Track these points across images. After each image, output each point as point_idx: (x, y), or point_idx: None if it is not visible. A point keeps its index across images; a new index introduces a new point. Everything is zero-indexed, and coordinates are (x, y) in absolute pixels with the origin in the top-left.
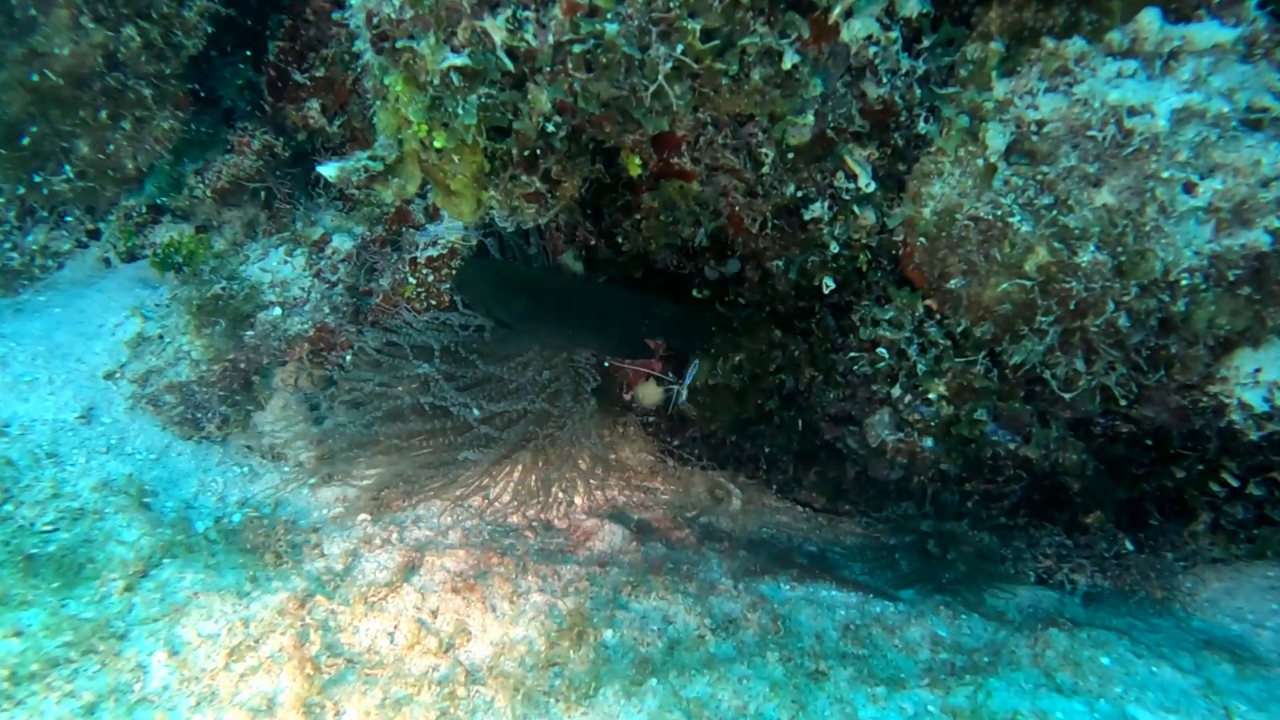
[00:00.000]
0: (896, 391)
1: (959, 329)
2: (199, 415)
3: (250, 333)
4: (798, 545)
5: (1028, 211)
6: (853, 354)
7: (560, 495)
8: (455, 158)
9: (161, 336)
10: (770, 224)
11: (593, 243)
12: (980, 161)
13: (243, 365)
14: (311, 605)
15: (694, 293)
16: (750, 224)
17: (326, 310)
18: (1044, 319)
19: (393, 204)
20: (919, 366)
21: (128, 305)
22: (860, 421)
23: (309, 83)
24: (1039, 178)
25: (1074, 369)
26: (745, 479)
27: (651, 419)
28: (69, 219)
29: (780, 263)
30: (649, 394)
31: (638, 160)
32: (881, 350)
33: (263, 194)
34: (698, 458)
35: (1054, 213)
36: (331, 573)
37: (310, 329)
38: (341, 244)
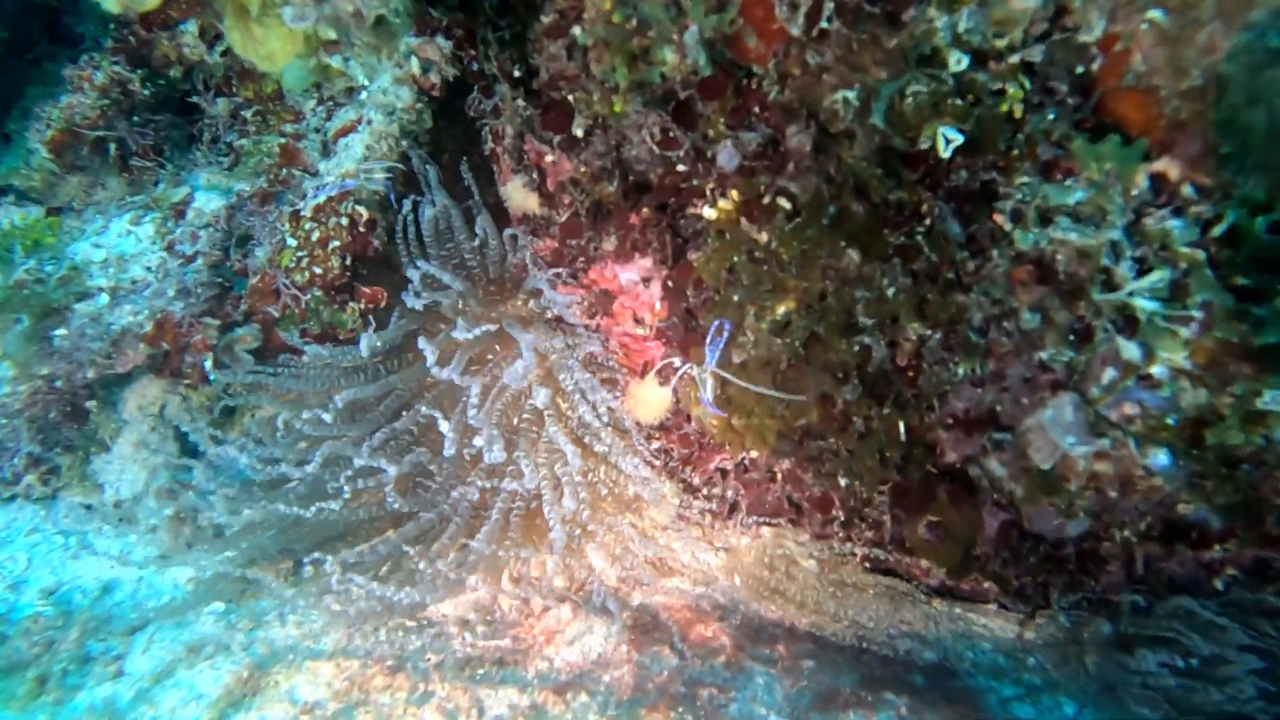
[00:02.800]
0: (1091, 362)
1: (1229, 218)
2: None
3: (61, 331)
4: (904, 651)
5: None
6: (996, 289)
7: (517, 570)
8: None
9: None
10: (830, 17)
11: (549, 157)
12: None
13: (60, 383)
14: None
15: (705, 209)
16: (786, 17)
17: (171, 294)
18: None
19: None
20: (1141, 309)
21: None
22: (1014, 424)
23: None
24: None
25: None
26: (811, 535)
27: (658, 440)
28: None
29: (851, 97)
30: (649, 400)
31: None
32: (1060, 271)
33: (112, 148)
34: (731, 505)
35: None
36: (111, 710)
37: (147, 323)
38: (207, 205)
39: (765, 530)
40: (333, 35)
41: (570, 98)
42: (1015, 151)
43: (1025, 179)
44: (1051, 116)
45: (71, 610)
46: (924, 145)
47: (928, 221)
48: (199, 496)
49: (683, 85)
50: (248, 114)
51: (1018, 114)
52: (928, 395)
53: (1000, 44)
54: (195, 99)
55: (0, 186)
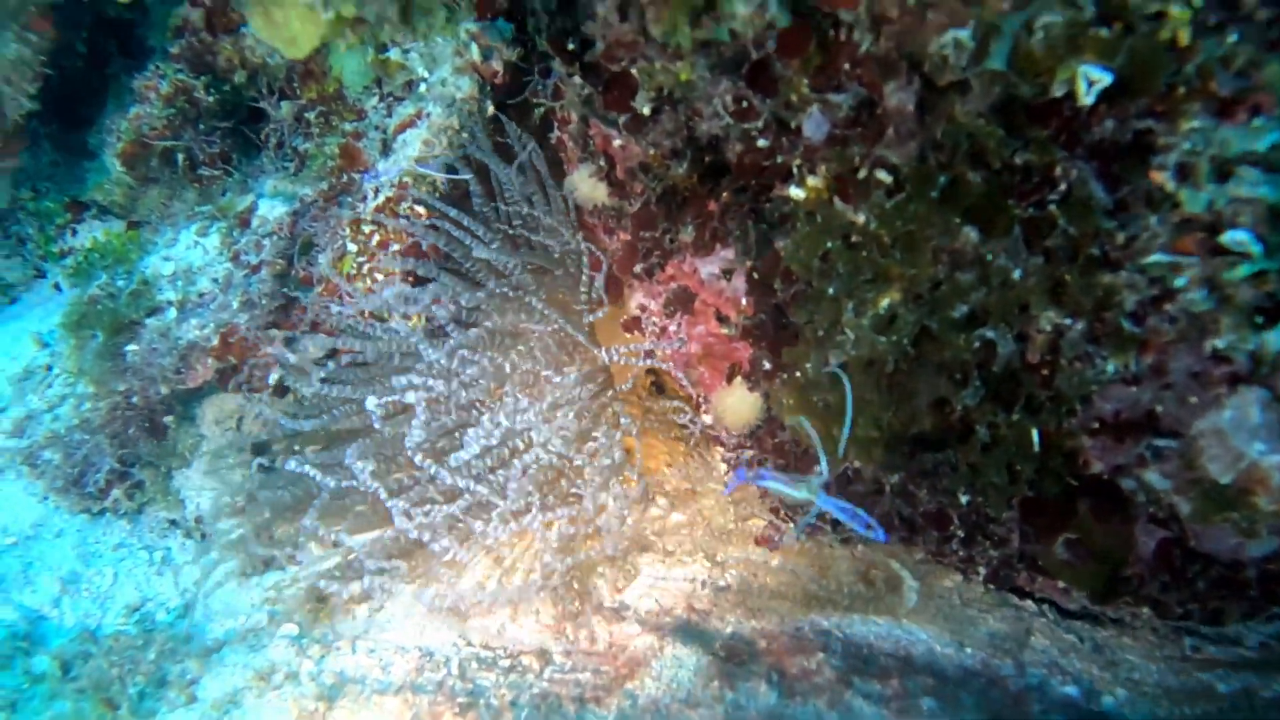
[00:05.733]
0: None
1: None
2: (85, 477)
3: (133, 347)
4: (1037, 684)
5: None
6: (1155, 265)
7: (594, 590)
8: None
9: (50, 367)
10: None
11: (617, 141)
12: None
13: (136, 399)
14: None
15: (792, 189)
16: None
17: (235, 306)
18: None
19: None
20: None
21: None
22: (1180, 429)
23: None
24: None
25: None
26: (925, 554)
27: (749, 451)
28: (29, 245)
29: (965, 36)
30: (737, 407)
31: None
32: (1239, 238)
33: (180, 157)
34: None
35: None
36: None
37: (213, 336)
38: (271, 212)
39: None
40: (352, 10)
41: (632, 70)
42: (1181, 90)
43: (1195, 123)
44: (1234, 39)
45: (153, 629)
46: (1058, 92)
47: (1063, 187)
48: (276, 512)
49: (756, 43)
50: (311, 116)
51: (1184, 40)
52: (1068, 397)
53: None
54: (260, 103)
55: (84, 202)
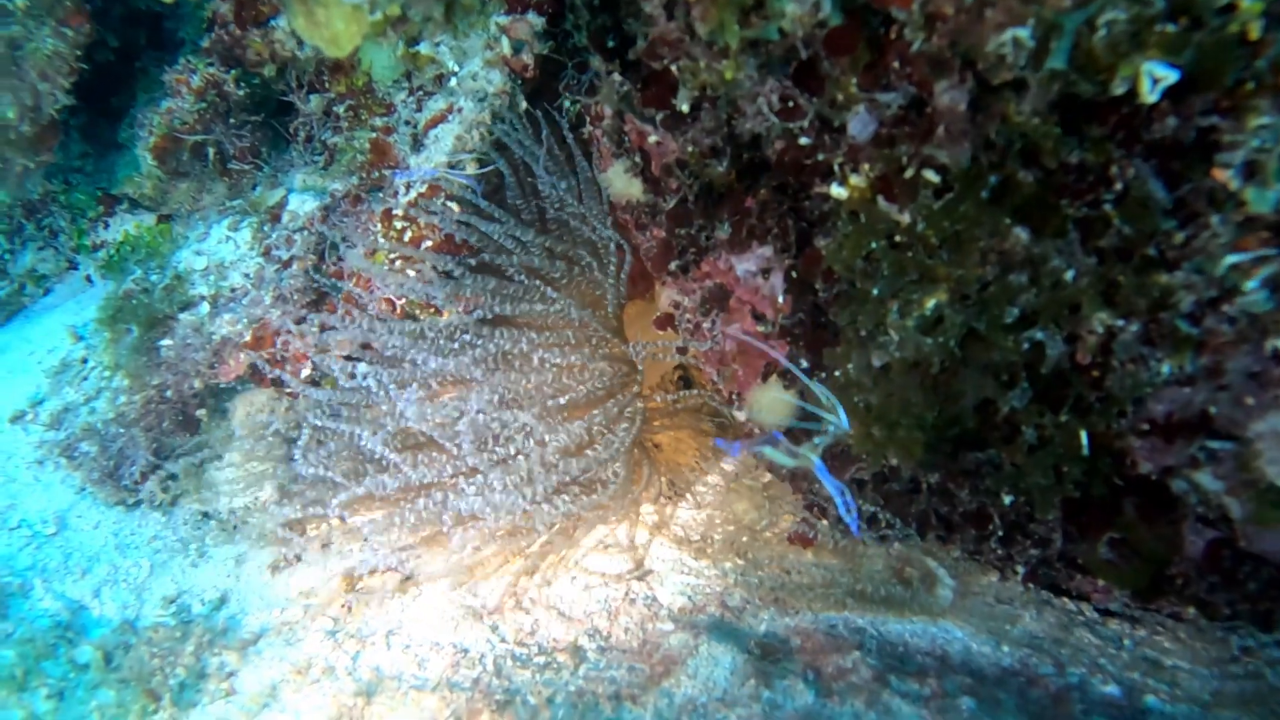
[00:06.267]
0: None
1: None
2: (121, 469)
3: (167, 341)
4: (1077, 683)
5: None
6: (1215, 264)
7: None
8: None
9: (85, 360)
10: None
11: (653, 137)
12: None
13: (170, 393)
14: None
15: (833, 188)
16: None
17: (268, 301)
18: None
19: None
20: None
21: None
22: (1236, 431)
23: None
24: None
25: None
26: (961, 552)
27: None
28: (61, 237)
29: (1025, 35)
30: (771, 403)
31: None
32: None
33: (211, 151)
34: (870, 519)
35: None
36: None
37: (246, 331)
38: (301, 207)
39: (908, 546)
40: (398, 10)
41: (673, 67)
42: (1249, 85)
43: (1264, 120)
44: None
45: (190, 620)
46: (1118, 90)
47: (1119, 186)
48: (307, 504)
49: (805, 41)
50: (340, 109)
51: (1254, 34)
52: (1119, 399)
53: None
54: (289, 97)
55: (116, 195)
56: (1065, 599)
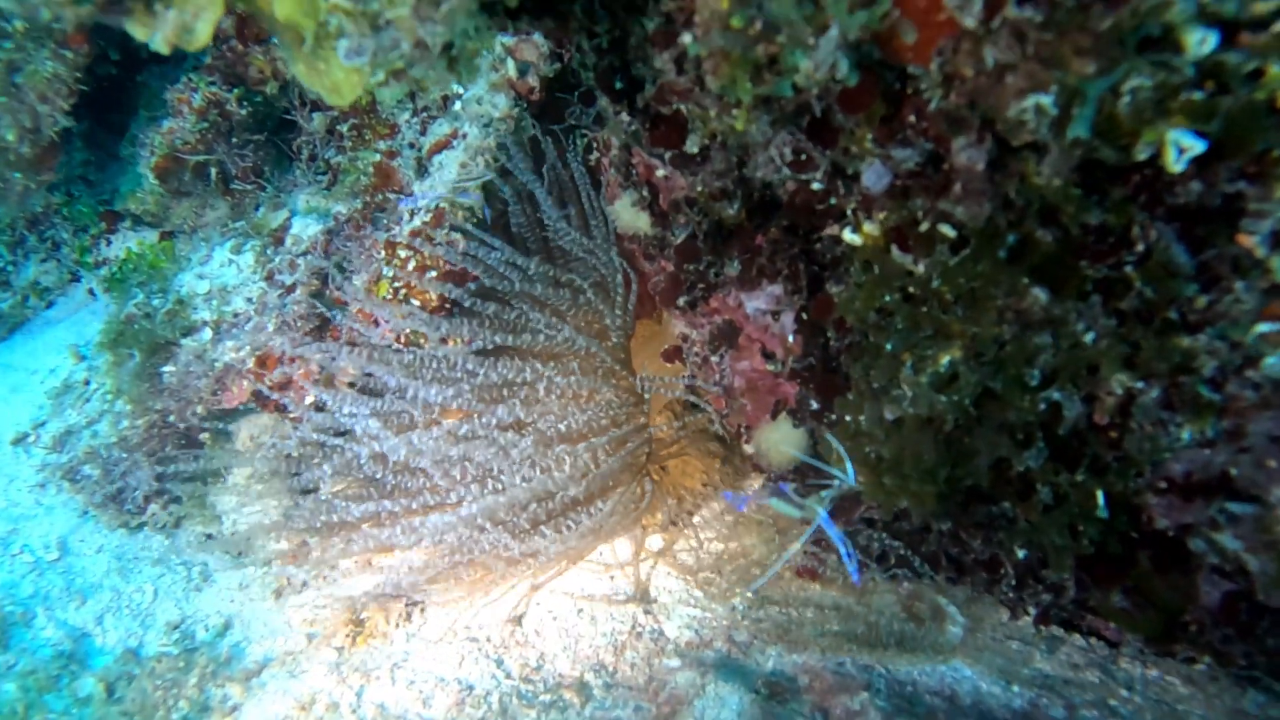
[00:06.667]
0: None
1: None
2: (124, 493)
3: (170, 368)
4: None
5: None
6: (1238, 330)
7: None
8: None
9: (88, 382)
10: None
11: (660, 172)
12: None
13: (173, 418)
14: None
15: (846, 233)
16: (958, 5)
17: (271, 328)
18: None
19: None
20: None
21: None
22: (1259, 493)
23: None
24: None
25: None
26: (973, 591)
27: (792, 482)
28: (63, 249)
29: (1047, 103)
30: (778, 440)
31: None
32: None
33: (213, 171)
34: (880, 557)
35: None
36: None
37: (249, 359)
38: (305, 230)
39: (920, 584)
40: (400, 66)
41: (683, 109)
42: (1275, 152)
43: None
44: None
45: (194, 648)
46: (1142, 155)
47: (1140, 248)
48: (310, 531)
49: (819, 96)
50: (344, 128)
51: None
52: (1137, 461)
53: (1262, 7)
54: (292, 114)
55: (118, 212)
56: (1075, 635)
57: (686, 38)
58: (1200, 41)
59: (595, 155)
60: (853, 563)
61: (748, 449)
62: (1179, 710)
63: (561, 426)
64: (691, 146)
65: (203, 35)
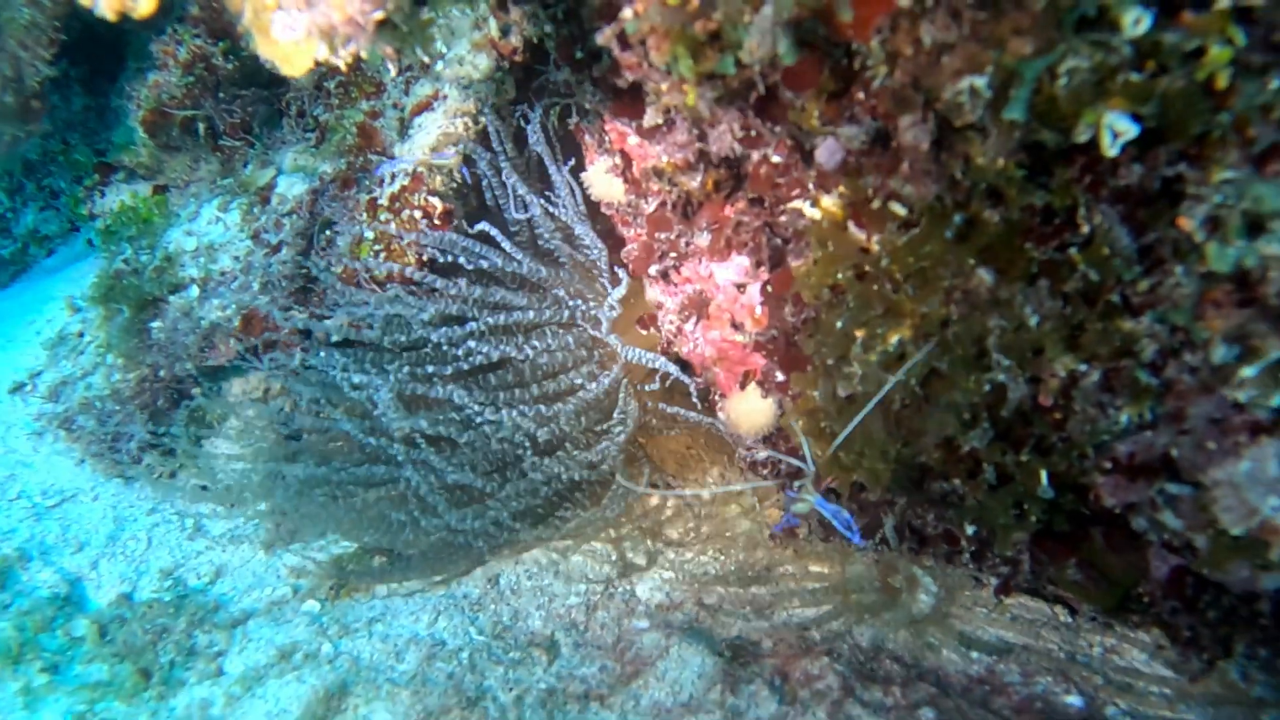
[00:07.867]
0: None
1: None
2: (119, 443)
3: (158, 324)
4: (1041, 693)
5: None
6: (1179, 314)
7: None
8: None
9: (82, 334)
10: None
11: (632, 139)
12: None
13: (163, 373)
14: None
15: (806, 207)
16: None
17: (256, 287)
18: None
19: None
20: None
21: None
22: (1196, 477)
23: None
24: None
25: None
26: (937, 563)
27: (764, 455)
28: (62, 198)
29: (981, 85)
30: (751, 413)
31: None
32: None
33: (201, 126)
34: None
35: None
36: (205, 716)
37: (234, 318)
38: (290, 189)
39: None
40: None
41: (640, 82)
42: (1215, 135)
43: (1229, 174)
44: (1277, 84)
45: (185, 594)
46: (1081, 138)
47: (1085, 231)
48: (302, 483)
49: (763, 73)
50: (331, 85)
51: (1221, 84)
52: (1079, 443)
53: None
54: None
55: (112, 164)
56: (1040, 601)
57: (627, 12)
58: (1135, 21)
59: (574, 119)
60: (854, 531)
61: (720, 417)
62: (1134, 669)
63: (549, 386)
64: (651, 120)
65: (145, 4)
